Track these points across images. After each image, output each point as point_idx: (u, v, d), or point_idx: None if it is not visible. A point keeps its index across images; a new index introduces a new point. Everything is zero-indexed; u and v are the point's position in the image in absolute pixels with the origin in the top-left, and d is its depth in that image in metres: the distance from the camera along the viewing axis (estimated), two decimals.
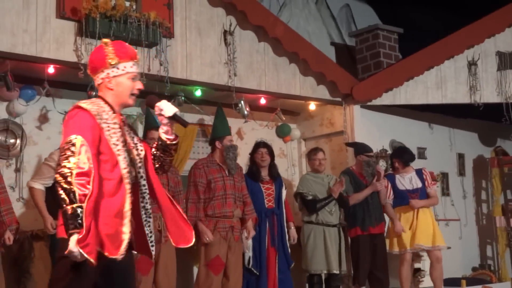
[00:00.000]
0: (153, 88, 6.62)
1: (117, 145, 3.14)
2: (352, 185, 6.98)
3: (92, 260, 2.85)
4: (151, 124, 5.87)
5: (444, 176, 9.25)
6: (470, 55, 8.33)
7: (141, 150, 3.31)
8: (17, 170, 6.44)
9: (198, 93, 7.07)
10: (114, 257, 3.02)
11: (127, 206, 3.09)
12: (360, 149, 7.19)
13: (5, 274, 5.10)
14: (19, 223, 5.22)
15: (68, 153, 2.94)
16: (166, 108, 3.26)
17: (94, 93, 6.20)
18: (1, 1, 5.56)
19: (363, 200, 6.93)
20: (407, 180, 7.33)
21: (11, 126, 6.41)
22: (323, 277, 6.76)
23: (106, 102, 3.24)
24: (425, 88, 8.23)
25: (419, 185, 7.30)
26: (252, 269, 6.28)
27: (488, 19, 8.41)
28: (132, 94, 3.28)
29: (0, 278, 5.02)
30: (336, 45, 9.65)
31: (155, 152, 3.38)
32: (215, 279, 5.99)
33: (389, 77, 8.16)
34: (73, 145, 2.95)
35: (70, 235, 2.85)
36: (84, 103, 3.15)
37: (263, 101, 7.53)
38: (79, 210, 2.85)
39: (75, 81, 6.25)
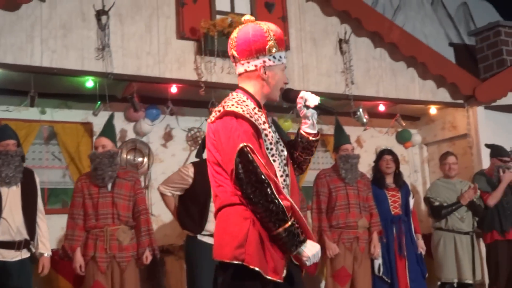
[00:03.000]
0: (272, 101, 6.70)
1: (271, 149, 2.83)
2: (489, 186, 6.70)
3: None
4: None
5: None
6: None
7: (284, 147, 2.96)
8: (146, 187, 6.70)
9: None
10: (277, 280, 2.71)
11: None
12: (494, 152, 6.92)
13: None
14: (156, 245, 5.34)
15: (249, 166, 2.66)
16: (310, 98, 2.89)
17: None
18: (126, 27, 5.82)
19: (499, 204, 6.63)
20: None
21: (139, 145, 6.68)
22: (455, 287, 6.53)
23: (250, 96, 2.88)
24: None
25: None
26: (383, 277, 6.16)
27: None
28: (281, 88, 2.94)
29: None
30: (455, 46, 9.36)
31: (292, 151, 3.01)
32: None
33: None
34: (246, 155, 2.67)
35: (299, 250, 2.68)
36: (233, 106, 2.76)
37: (381, 107, 7.41)
38: (294, 225, 2.66)
39: (197, 99, 6.42)
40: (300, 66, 6.72)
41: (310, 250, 2.70)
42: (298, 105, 2.91)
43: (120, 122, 6.64)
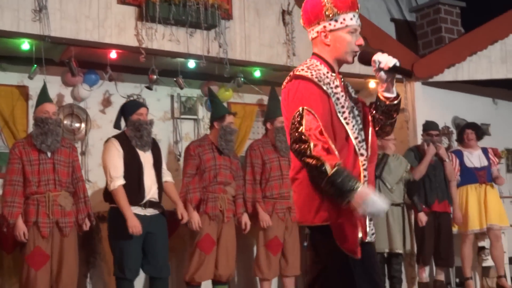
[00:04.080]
0: (212, 70, 6.70)
1: (343, 112, 2.83)
2: (417, 161, 6.89)
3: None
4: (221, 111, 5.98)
5: (509, 152, 9.04)
6: None
7: (360, 111, 2.96)
8: (83, 153, 6.63)
9: (257, 74, 7.07)
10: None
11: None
12: (424, 126, 7.12)
13: None
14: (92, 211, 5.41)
15: (298, 125, 2.69)
16: (384, 60, 2.82)
17: (155, 76, 6.31)
18: None
19: (426, 177, 6.83)
20: (476, 157, 7.24)
21: (76, 110, 6.59)
22: (385, 256, 6.72)
23: (323, 61, 2.91)
24: (488, 63, 8.02)
25: (486, 163, 7.23)
26: None
27: None
28: (353, 51, 2.90)
29: (75, 260, 5.23)
30: (396, 21, 9.48)
31: (373, 113, 2.97)
32: (274, 259, 6.07)
33: (451, 53, 8.00)
34: (302, 116, 2.70)
35: (349, 199, 2.57)
36: (303, 71, 2.82)
37: None
38: (339, 169, 2.58)
39: (137, 65, 6.36)
40: (243, 36, 6.71)
41: (360, 196, 2.56)
42: (374, 68, 2.86)
43: (57, 87, 6.52)
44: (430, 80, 7.94)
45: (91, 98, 6.64)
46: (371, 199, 2.57)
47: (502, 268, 7.21)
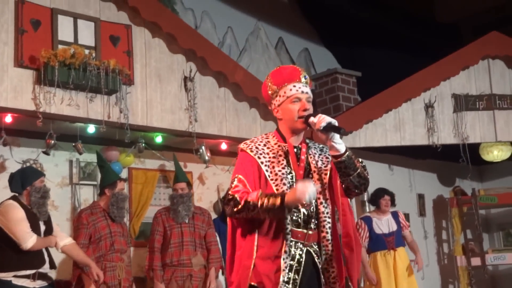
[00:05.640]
0: (113, 136, 6.61)
1: (276, 179, 3.02)
2: None
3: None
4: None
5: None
6: (427, 98, 8.48)
7: (325, 174, 3.14)
8: None
9: (158, 139, 7.05)
10: None
11: (283, 248, 2.96)
12: None
13: None
14: None
15: (228, 190, 3.02)
16: (317, 122, 3.01)
17: (52, 141, 6.16)
18: None
19: None
20: (385, 223, 7.35)
21: None
22: None
23: (278, 133, 3.18)
24: (384, 131, 8.33)
25: (395, 228, 7.35)
26: None
27: (443, 63, 8.58)
28: (300, 117, 3.08)
29: None
30: None
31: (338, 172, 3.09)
32: None
33: (349, 120, 8.23)
34: (234, 182, 3.01)
35: (280, 203, 2.85)
36: (245, 143, 3.16)
37: (224, 146, 7.54)
38: (263, 200, 2.86)
39: (34, 129, 6.19)
40: (144, 101, 6.69)
41: (295, 192, 2.83)
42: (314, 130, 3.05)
43: None
44: None
45: None
46: (304, 186, 2.83)
47: None
